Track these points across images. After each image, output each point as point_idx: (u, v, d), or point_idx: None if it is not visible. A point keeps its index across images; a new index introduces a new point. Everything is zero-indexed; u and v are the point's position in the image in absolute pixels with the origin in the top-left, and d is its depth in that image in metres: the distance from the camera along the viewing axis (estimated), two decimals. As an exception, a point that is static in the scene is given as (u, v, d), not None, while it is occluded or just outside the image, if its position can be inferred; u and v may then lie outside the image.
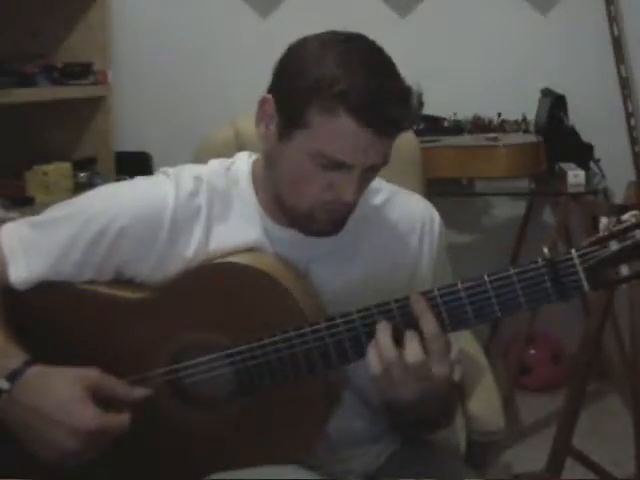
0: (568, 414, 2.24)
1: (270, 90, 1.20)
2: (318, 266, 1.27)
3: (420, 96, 1.18)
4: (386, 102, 1.12)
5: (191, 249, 1.25)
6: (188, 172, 1.28)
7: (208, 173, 1.28)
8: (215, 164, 1.31)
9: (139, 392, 1.20)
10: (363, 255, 1.29)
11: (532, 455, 2.55)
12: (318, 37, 1.18)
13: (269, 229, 1.26)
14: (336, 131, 1.12)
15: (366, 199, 1.27)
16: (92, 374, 1.18)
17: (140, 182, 1.31)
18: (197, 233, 1.25)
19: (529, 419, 2.88)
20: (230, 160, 1.32)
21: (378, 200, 1.32)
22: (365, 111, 1.11)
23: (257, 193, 1.27)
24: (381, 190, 1.33)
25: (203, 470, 1.20)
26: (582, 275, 1.10)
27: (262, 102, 1.20)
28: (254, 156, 1.31)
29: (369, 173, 1.19)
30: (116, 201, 1.27)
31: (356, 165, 1.15)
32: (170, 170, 1.30)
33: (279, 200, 1.23)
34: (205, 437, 1.23)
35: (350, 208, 1.21)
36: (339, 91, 1.11)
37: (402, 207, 1.34)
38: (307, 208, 1.20)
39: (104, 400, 1.17)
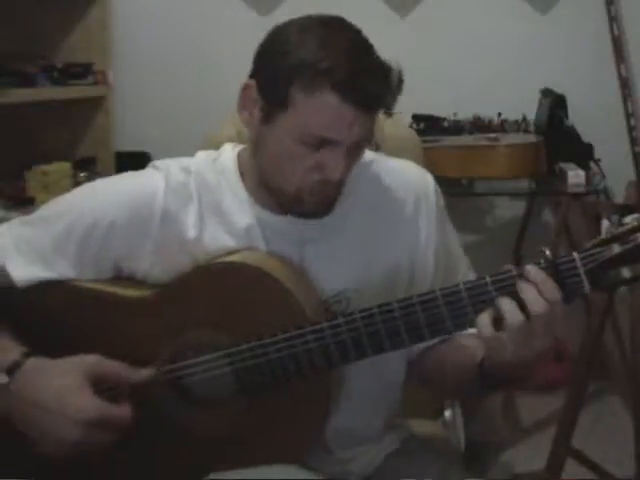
0: (568, 414, 2.24)
1: (252, 76, 1.22)
2: (313, 247, 1.27)
3: (400, 74, 1.19)
4: (368, 78, 1.15)
5: (190, 232, 1.25)
6: (176, 164, 1.29)
7: (196, 164, 1.30)
8: (202, 156, 1.32)
9: (141, 374, 1.19)
10: (357, 230, 1.29)
11: (532, 455, 2.55)
12: (297, 21, 1.21)
13: (259, 215, 1.26)
14: (321, 107, 1.14)
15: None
16: (91, 360, 1.17)
17: (129, 175, 1.32)
18: (191, 218, 1.25)
19: (529, 419, 2.88)
20: (216, 152, 1.33)
21: (366, 166, 1.31)
22: (348, 87, 1.13)
23: (244, 181, 1.28)
24: (365, 156, 1.30)
25: (204, 470, 1.20)
26: (584, 277, 1.10)
27: (244, 88, 1.22)
28: (239, 147, 1.33)
29: (354, 150, 1.20)
30: (106, 195, 1.28)
31: (342, 141, 1.17)
32: (158, 163, 1.31)
33: (266, 185, 1.24)
34: (206, 437, 1.22)
35: (338, 187, 1.22)
36: (322, 69, 1.13)
37: (394, 173, 1.33)
38: (294, 190, 1.21)
39: (106, 385, 1.16)
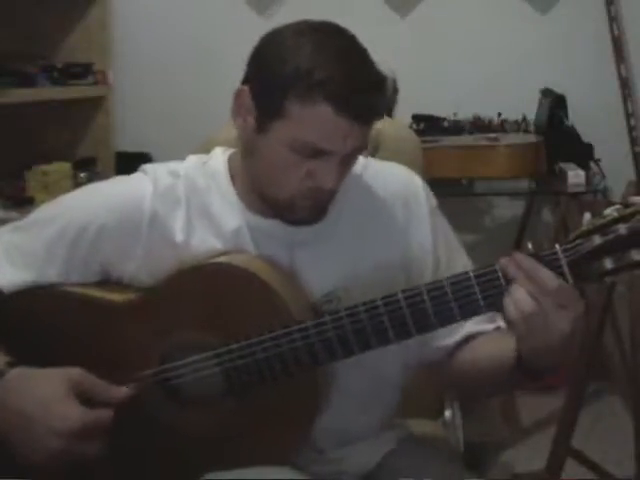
0: (568, 414, 2.24)
1: (245, 81, 1.21)
2: (302, 252, 1.27)
3: (394, 82, 1.19)
4: (362, 90, 1.15)
5: (178, 236, 1.25)
6: (165, 168, 1.30)
7: (185, 168, 1.30)
8: (192, 159, 1.33)
9: (122, 391, 1.18)
10: (345, 232, 1.29)
11: (532, 455, 2.55)
12: (292, 27, 1.20)
13: (249, 219, 1.26)
14: (315, 119, 1.14)
15: None
16: (74, 373, 1.16)
17: (119, 179, 1.34)
18: (179, 222, 1.26)
19: (529, 419, 2.88)
20: (207, 156, 1.33)
21: (356, 169, 1.30)
22: (342, 99, 1.13)
23: (235, 185, 1.28)
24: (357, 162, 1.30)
25: (198, 470, 1.20)
26: (566, 269, 1.10)
27: (238, 94, 1.21)
28: (229, 151, 1.33)
29: (348, 159, 1.20)
30: (96, 200, 1.29)
31: (335, 152, 1.17)
32: (147, 167, 1.31)
33: (259, 191, 1.24)
34: (198, 437, 1.23)
35: (331, 195, 1.23)
36: (317, 80, 1.13)
37: (381, 177, 1.34)
38: (288, 198, 1.21)
39: (87, 399, 1.16)
